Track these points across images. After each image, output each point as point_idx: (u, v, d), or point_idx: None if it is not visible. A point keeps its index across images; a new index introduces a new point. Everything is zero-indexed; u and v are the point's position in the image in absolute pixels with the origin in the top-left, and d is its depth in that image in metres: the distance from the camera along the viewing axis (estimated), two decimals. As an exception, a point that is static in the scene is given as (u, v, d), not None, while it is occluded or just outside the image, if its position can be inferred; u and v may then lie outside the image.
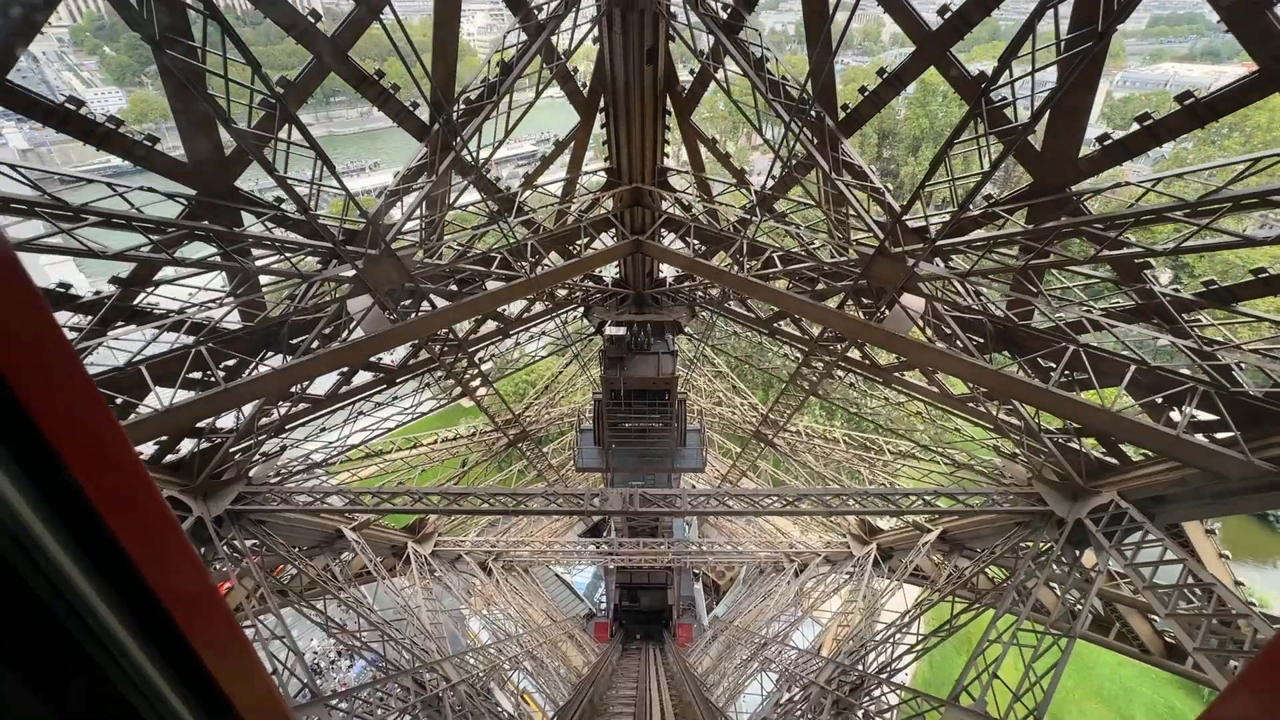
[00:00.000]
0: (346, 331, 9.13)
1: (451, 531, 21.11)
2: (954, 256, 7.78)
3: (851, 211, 8.25)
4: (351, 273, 8.23)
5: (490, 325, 13.04)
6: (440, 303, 10.16)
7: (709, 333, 16.44)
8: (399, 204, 8.55)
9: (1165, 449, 7.08)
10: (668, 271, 14.04)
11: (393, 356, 11.53)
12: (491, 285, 10.55)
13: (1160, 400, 7.46)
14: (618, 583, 31.34)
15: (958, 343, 8.37)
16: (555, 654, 24.13)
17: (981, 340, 8.77)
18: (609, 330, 13.97)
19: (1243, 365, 6.42)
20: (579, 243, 11.10)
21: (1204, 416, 7.17)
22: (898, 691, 9.61)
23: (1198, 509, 8.01)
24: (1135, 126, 5.57)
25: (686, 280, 13.39)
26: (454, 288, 10.59)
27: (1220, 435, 6.89)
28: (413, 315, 9.46)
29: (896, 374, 11.35)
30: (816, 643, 25.49)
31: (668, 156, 10.81)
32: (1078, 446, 9.24)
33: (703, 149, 10.31)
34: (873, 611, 14.84)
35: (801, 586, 22.11)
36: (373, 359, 10.96)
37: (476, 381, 13.57)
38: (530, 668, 20.65)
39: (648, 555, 22.55)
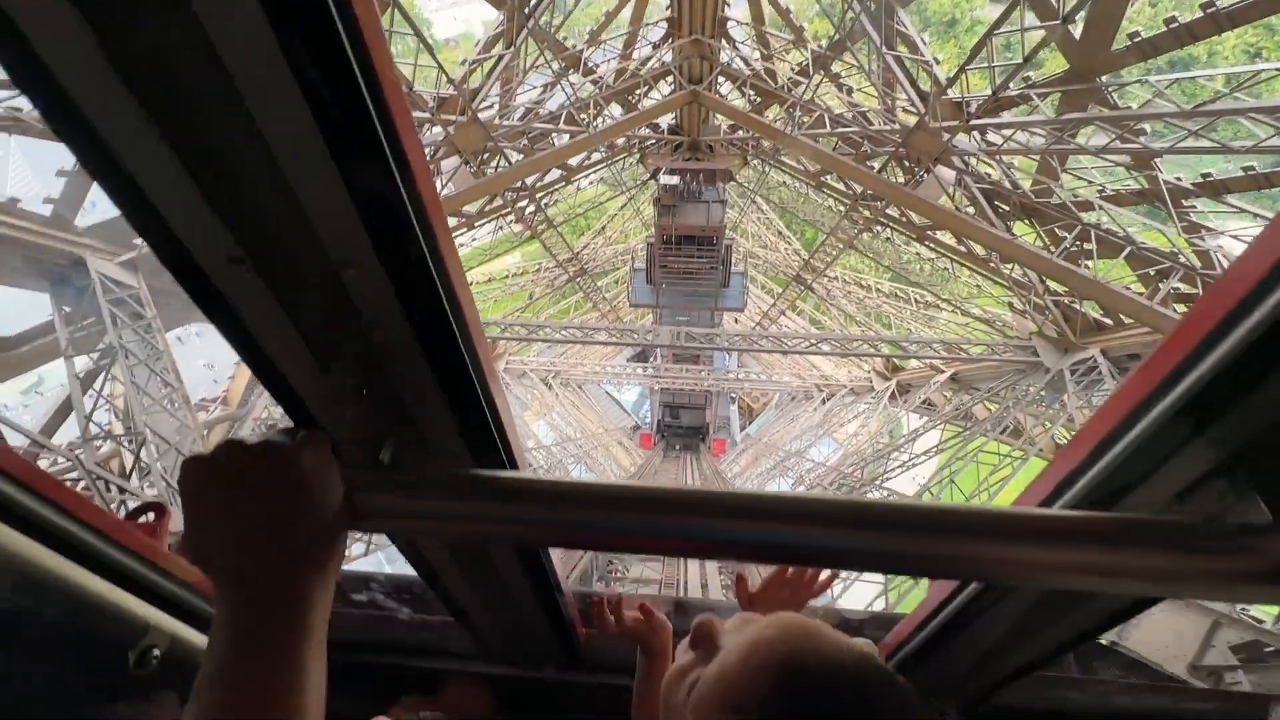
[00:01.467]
0: (440, 187, 10.58)
1: (519, 353, 24.16)
2: (988, 134, 8.39)
3: (897, 82, 8.72)
4: (443, 137, 9.47)
5: (554, 174, 14.15)
6: (515, 158, 11.33)
7: (761, 180, 17.04)
8: (479, 70, 9.42)
9: (1140, 316, 8.28)
10: (722, 121, 14.38)
11: (473, 206, 13.03)
12: (559, 140, 11.55)
13: (1153, 274, 8.46)
14: (661, 401, 35.18)
15: (980, 211, 9.25)
16: (608, 455, 28.48)
17: (1008, 208, 9.59)
18: (663, 179, 14.79)
19: (1222, 250, 7.35)
20: (638, 92, 11.68)
21: (1189, 290, 8.22)
22: (880, 493, 12.15)
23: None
24: (1163, 28, 5.99)
25: (740, 130, 13.83)
26: (526, 143, 11.63)
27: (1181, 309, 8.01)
28: (492, 171, 10.77)
29: (929, 232, 12.22)
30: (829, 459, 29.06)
31: (729, 5, 10.84)
32: (1078, 307, 10.39)
33: (764, 2, 10.36)
34: (882, 433, 17.29)
35: (826, 413, 24.87)
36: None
37: (542, 225, 15.06)
38: (587, 465, 24.87)
39: (689, 380, 25.39)
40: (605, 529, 0.52)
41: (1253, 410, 0.43)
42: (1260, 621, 3.57)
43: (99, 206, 8.36)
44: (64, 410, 7.48)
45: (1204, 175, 6.97)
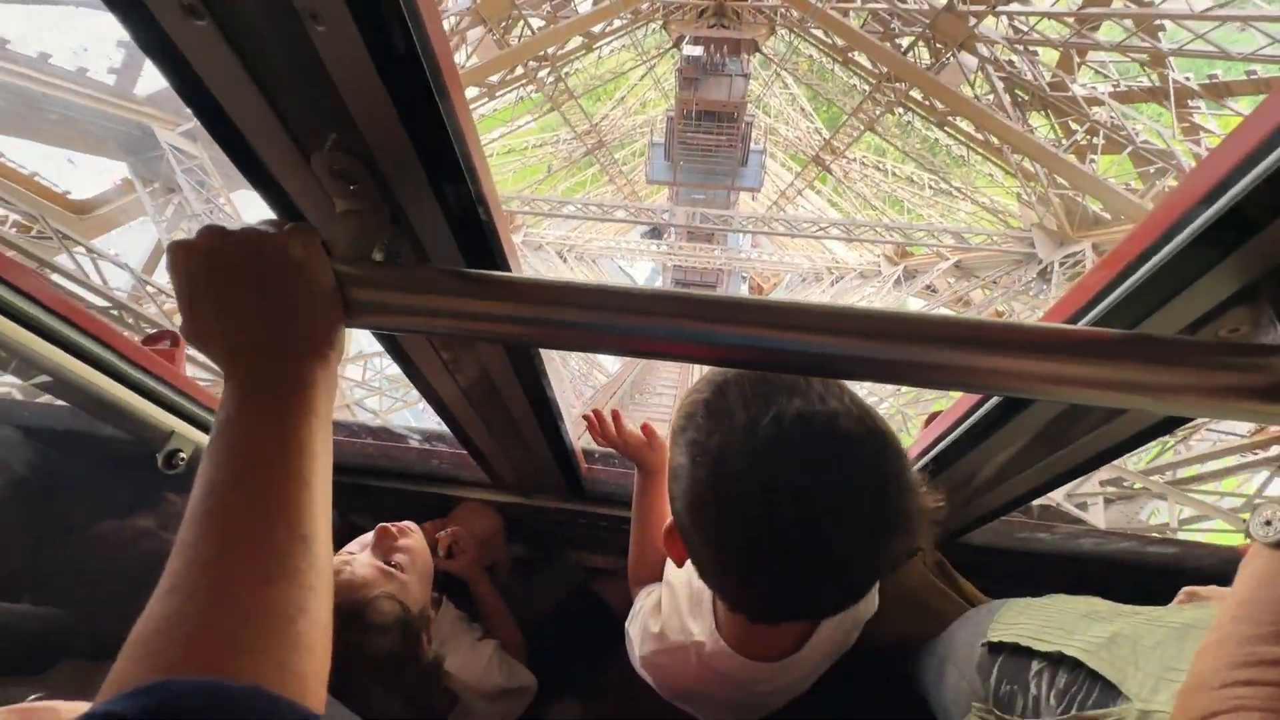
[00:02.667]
0: (465, 57, 10.66)
1: (535, 225, 24.56)
2: (1014, 20, 8.38)
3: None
4: (468, 5, 9.47)
5: (575, 41, 13.84)
6: (537, 25, 11.21)
7: (788, 53, 16.45)
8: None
9: (1125, 211, 8.81)
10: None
11: (494, 77, 12.98)
12: (582, 8, 11.32)
13: (1152, 171, 8.84)
14: (673, 279, 35.82)
15: (998, 100, 9.40)
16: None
17: (1026, 98, 9.70)
18: (686, 50, 14.38)
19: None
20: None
21: (1181, 188, 8.64)
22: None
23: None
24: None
25: (768, -3, 13.26)
26: (549, 9, 11.40)
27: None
28: (517, 40, 10.77)
29: (949, 118, 12.24)
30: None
31: None
32: (1081, 201, 10.78)
33: None
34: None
35: (835, 295, 25.58)
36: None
37: (563, 95, 14.96)
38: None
39: (702, 259, 25.91)
40: (601, 329, 0.50)
41: None
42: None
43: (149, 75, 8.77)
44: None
45: (1210, 76, 7.19)
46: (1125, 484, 5.18)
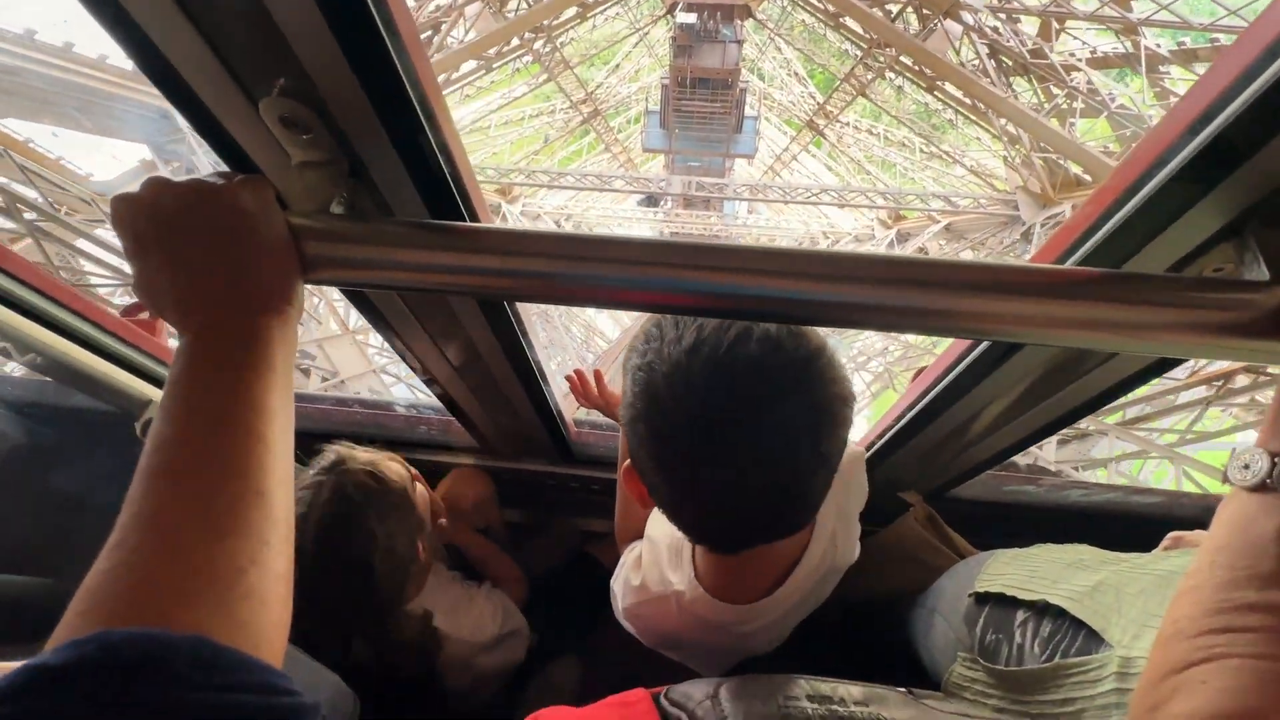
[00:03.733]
0: (463, 32, 10.89)
1: (532, 195, 24.78)
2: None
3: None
4: (467, -20, 9.68)
5: (570, 11, 13.96)
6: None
7: (782, 18, 16.54)
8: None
9: (1102, 173, 9.24)
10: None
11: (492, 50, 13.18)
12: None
13: (1129, 134, 9.24)
14: (670, 246, 36.05)
15: (981, 66, 9.74)
16: (618, 296, 30.08)
17: (1010, 63, 10.02)
18: (679, 17, 14.49)
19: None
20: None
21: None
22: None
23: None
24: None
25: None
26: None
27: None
28: (513, 15, 10.99)
29: (938, 83, 12.52)
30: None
31: None
32: (1062, 163, 11.18)
33: None
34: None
35: (829, 259, 25.90)
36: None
37: (559, 65, 15.14)
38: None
39: (698, 225, 26.18)
40: (570, 279, 0.48)
41: (1271, 159, 0.41)
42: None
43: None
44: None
45: (1179, 43, 7.56)
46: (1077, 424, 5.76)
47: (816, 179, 21.72)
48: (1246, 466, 0.40)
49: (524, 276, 0.49)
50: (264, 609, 0.39)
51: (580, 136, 24.45)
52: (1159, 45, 7.74)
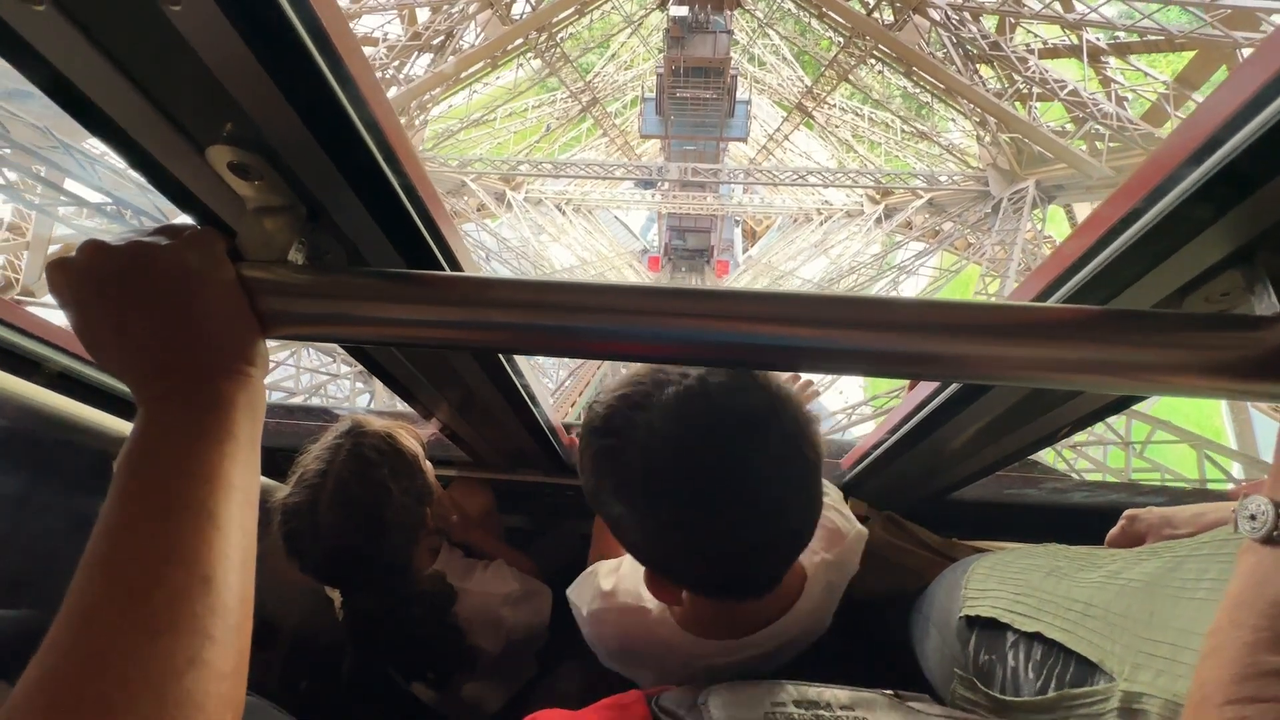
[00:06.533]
0: (475, 36, 11.86)
1: (535, 181, 25.76)
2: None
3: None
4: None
5: (568, 10, 14.84)
6: None
7: (771, 7, 17.45)
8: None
9: (1057, 153, 10.30)
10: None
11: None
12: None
13: (1082, 115, 10.28)
14: (668, 225, 36.89)
15: (948, 55, 10.74)
16: (619, 276, 31.12)
17: (978, 52, 11.01)
18: (672, 10, 15.35)
19: (1123, 98, 9.20)
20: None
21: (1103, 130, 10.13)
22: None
23: (1080, 195, 11.59)
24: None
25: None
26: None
27: (1099, 146, 10.03)
28: (519, 17, 11.95)
29: (914, 70, 13.49)
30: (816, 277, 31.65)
31: None
32: (1027, 142, 12.21)
33: None
34: (863, 252, 19.77)
35: (824, 234, 27.02)
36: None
37: (560, 60, 16.07)
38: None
39: (695, 205, 27.09)
40: (551, 331, 0.46)
41: None
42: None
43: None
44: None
45: (1114, 38, 8.58)
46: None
47: (809, 156, 22.68)
48: (1253, 517, 0.39)
49: (495, 329, 0.47)
50: (199, 714, 0.36)
51: (579, 123, 25.39)
52: (1098, 39, 8.76)
